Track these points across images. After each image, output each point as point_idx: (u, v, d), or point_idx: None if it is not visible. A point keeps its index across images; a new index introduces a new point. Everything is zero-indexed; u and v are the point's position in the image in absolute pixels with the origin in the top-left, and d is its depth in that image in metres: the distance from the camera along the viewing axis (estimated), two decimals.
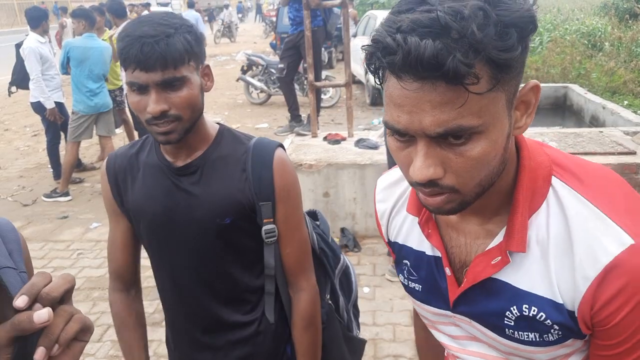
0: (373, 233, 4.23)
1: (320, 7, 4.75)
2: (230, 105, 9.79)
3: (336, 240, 4.10)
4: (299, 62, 6.06)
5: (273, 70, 9.06)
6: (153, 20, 1.09)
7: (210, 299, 1.28)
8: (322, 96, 8.05)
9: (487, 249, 0.79)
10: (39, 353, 0.58)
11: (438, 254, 0.86)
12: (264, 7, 30.80)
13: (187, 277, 1.27)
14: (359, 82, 10.05)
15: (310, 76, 4.74)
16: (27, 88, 5.45)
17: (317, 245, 1.41)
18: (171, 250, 1.26)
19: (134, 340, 1.36)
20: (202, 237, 1.23)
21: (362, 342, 1.54)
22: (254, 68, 9.42)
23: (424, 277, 0.89)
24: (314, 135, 4.88)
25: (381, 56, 0.64)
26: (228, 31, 21.86)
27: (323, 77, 7.33)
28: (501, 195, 0.78)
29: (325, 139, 4.75)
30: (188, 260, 1.26)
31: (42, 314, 0.57)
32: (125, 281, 1.37)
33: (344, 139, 4.69)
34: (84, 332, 0.63)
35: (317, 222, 1.50)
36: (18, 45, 5.44)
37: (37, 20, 5.27)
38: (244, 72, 9.46)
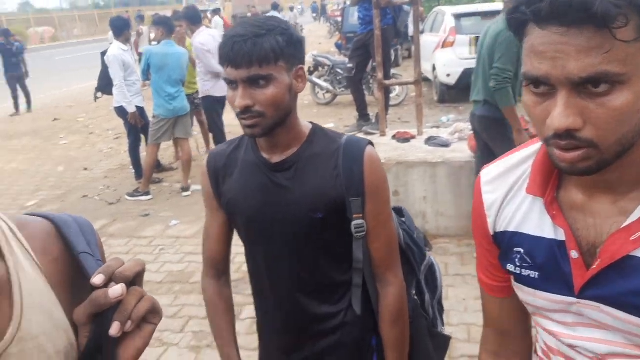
0: (444, 232, 4.18)
1: (390, 5, 4.75)
2: (297, 106, 9.93)
3: None
4: (367, 61, 6.07)
5: (339, 71, 9.13)
6: (250, 22, 1.18)
7: (299, 289, 1.33)
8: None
9: (623, 225, 0.76)
10: (114, 327, 0.63)
11: (561, 237, 0.82)
12: (328, 7, 30.99)
13: (278, 268, 1.33)
14: (427, 80, 9.92)
15: (380, 75, 4.74)
16: (111, 93, 5.80)
17: (403, 241, 1.43)
18: (265, 241, 1.33)
19: (224, 323, 1.44)
20: (295, 230, 1.29)
21: (447, 339, 1.55)
22: (321, 69, 9.52)
23: (542, 264, 0.86)
24: (383, 134, 4.88)
25: (525, 8, 0.64)
26: None
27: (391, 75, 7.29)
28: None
29: (394, 137, 4.74)
30: (280, 252, 1.32)
31: (116, 289, 0.63)
32: (218, 269, 1.46)
33: (413, 137, 4.67)
34: (154, 314, 0.67)
35: (403, 219, 1.52)
36: (103, 54, 5.81)
37: (120, 29, 5.60)
38: (310, 73, 9.57)
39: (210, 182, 1.38)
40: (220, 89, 5.85)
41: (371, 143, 1.32)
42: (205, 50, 5.50)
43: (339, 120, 8.45)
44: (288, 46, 1.18)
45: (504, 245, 0.92)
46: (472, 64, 8.29)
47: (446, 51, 8.70)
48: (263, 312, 1.45)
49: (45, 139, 8.77)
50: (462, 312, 3.20)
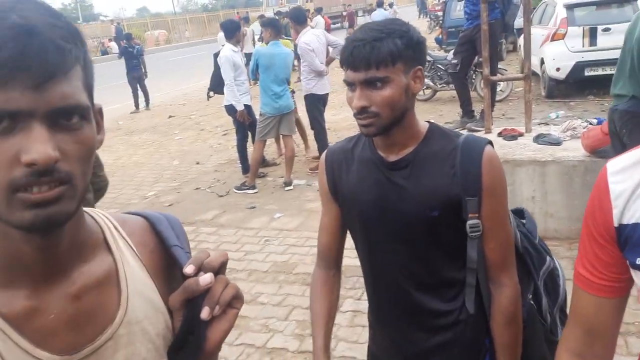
0: (553, 235, 4.00)
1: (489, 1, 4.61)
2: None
3: None
4: (473, 57, 5.93)
5: (440, 66, 8.96)
6: (371, 27, 1.24)
7: (412, 286, 1.35)
8: None
9: None
10: (205, 311, 0.70)
11: None
12: (429, 2, 30.40)
13: (391, 263, 1.37)
14: (533, 74, 9.45)
15: (486, 70, 4.63)
16: (222, 92, 6.17)
17: (520, 243, 1.41)
18: (379, 237, 1.36)
19: (320, 309, 1.47)
20: (410, 228, 1.31)
21: None
22: None
23: None
24: (488, 131, 4.76)
25: None
26: None
27: None
28: None
29: (499, 134, 4.60)
30: (394, 248, 1.34)
31: (206, 278, 0.70)
32: (328, 261, 1.51)
33: (521, 135, 4.51)
34: (237, 299, 0.74)
35: (523, 221, 1.50)
36: (215, 55, 6.20)
37: (231, 31, 5.94)
38: None
39: (327, 176, 1.43)
40: (322, 87, 6.02)
41: (490, 142, 1.32)
42: (309, 49, 5.69)
43: (439, 116, 8.31)
44: (407, 48, 1.22)
45: (635, 238, 0.88)
46: (585, 57, 7.91)
47: (556, 44, 8.24)
48: (376, 305, 1.48)
49: (162, 134, 9.49)
50: None
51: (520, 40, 9.96)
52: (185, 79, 16.21)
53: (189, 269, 0.71)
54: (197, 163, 7.31)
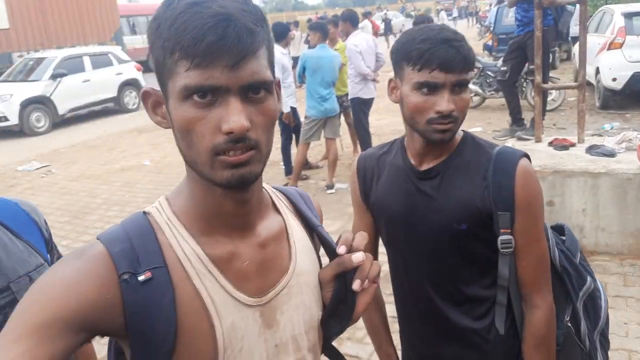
0: (604, 249, 3.85)
1: (553, 5, 4.49)
2: None
3: None
4: (523, 64, 5.78)
5: (489, 73, 8.79)
6: (441, 28, 1.20)
7: (439, 300, 1.30)
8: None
9: None
10: (357, 284, 0.79)
11: None
12: (480, 7, 29.94)
13: (418, 273, 1.32)
14: (588, 84, 9.15)
15: (538, 78, 4.51)
16: None
17: (558, 262, 1.33)
18: (406, 246, 1.33)
19: (378, 320, 1.47)
20: (437, 239, 1.26)
21: None
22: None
23: None
24: (538, 140, 4.63)
25: None
26: None
27: None
28: None
29: (550, 144, 4.47)
30: (420, 259, 1.31)
31: (359, 256, 0.79)
32: None
33: (572, 145, 4.36)
34: (379, 275, 0.82)
35: (563, 238, 1.41)
36: None
37: (281, 35, 6.02)
38: None
39: (358, 183, 1.42)
40: (368, 91, 6.00)
41: (527, 155, 1.26)
42: (357, 51, 5.71)
43: (487, 124, 8.15)
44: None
45: None
46: None
47: (613, 53, 7.95)
48: (406, 321, 1.44)
49: None
50: (623, 337, 2.94)
51: (575, 49, 9.67)
52: None
53: (341, 249, 0.80)
54: None
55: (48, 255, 1.15)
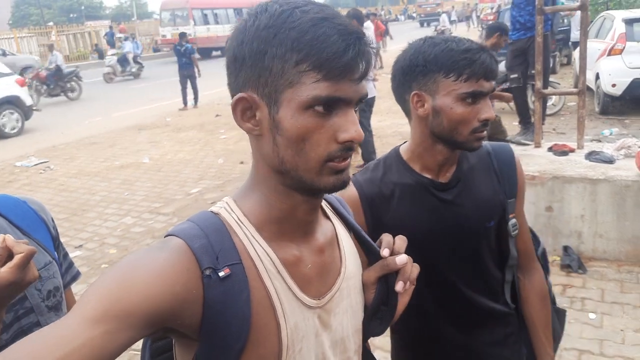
0: (602, 256, 3.87)
1: (554, 11, 4.49)
2: None
3: (557, 259, 3.86)
4: (527, 69, 5.77)
5: None
6: (465, 38, 1.23)
7: (472, 293, 1.35)
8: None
9: None
10: (400, 285, 0.84)
11: None
12: (481, 11, 29.99)
13: (452, 281, 1.33)
14: (587, 89, 9.18)
15: (538, 84, 4.52)
16: None
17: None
18: (438, 261, 1.31)
19: None
20: (470, 243, 1.31)
21: (564, 312, 1.60)
22: None
23: None
24: (538, 145, 4.64)
25: None
26: None
27: None
28: None
29: (550, 149, 4.48)
30: (452, 267, 1.32)
31: (403, 258, 0.84)
32: None
33: (572, 151, 4.38)
34: (416, 278, 0.87)
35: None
36: None
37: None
38: None
39: (365, 215, 1.28)
40: (369, 91, 6.01)
41: None
42: None
43: None
44: None
45: None
46: None
47: (613, 59, 7.98)
48: (440, 325, 1.38)
49: (208, 132, 9.69)
50: (619, 344, 2.95)
51: (575, 53, 9.69)
52: None
53: (385, 252, 0.85)
54: (242, 162, 7.42)
55: (55, 253, 1.16)
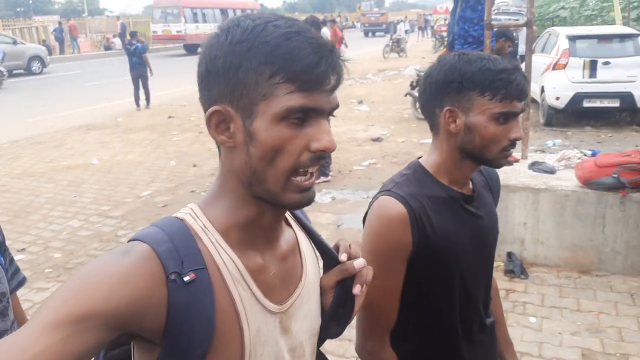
0: (543, 262, 4.05)
1: (502, 27, 4.68)
2: (397, 120, 9.98)
3: (501, 264, 4.01)
4: None
5: None
6: (497, 57, 1.25)
7: (482, 308, 1.38)
8: None
9: None
10: (357, 288, 0.86)
11: None
12: (435, 22, 30.78)
13: (477, 296, 1.35)
14: (533, 101, 9.56)
15: None
16: None
17: None
18: (469, 275, 1.30)
19: None
20: (491, 255, 1.38)
21: None
22: None
23: None
24: None
25: None
26: (397, 46, 22.23)
27: None
28: None
29: None
30: (480, 281, 1.36)
31: (360, 262, 0.86)
32: (388, 333, 1.29)
33: (516, 161, 4.56)
34: (370, 279, 0.90)
35: None
36: None
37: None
38: (412, 87, 9.58)
39: (413, 233, 1.20)
40: None
41: None
42: None
43: None
44: None
45: None
46: (584, 88, 8.03)
47: (557, 73, 8.36)
48: (461, 334, 1.33)
49: (161, 134, 9.50)
50: (557, 347, 3.10)
51: (522, 67, 10.09)
52: (188, 80, 16.18)
53: (344, 256, 0.87)
54: (194, 165, 7.32)
55: (2, 258, 1.13)
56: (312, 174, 0.77)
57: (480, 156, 1.25)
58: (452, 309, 1.30)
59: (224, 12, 28.55)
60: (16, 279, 1.21)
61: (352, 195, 5.95)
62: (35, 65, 19.99)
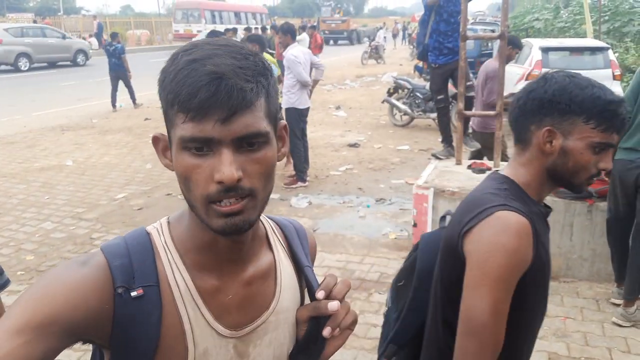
0: None
1: (476, 39, 4.78)
2: (374, 126, 10.08)
3: None
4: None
5: (419, 94, 9.19)
6: (608, 89, 1.24)
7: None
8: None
9: None
10: (327, 330, 0.84)
11: None
12: (413, 30, 31.13)
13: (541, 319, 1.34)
14: (506, 110, 9.76)
15: (460, 105, 4.80)
16: None
17: None
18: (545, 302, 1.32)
19: None
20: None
21: None
22: (400, 91, 9.63)
23: None
24: (458, 163, 4.92)
25: None
26: (375, 53, 22.44)
27: None
28: None
29: (469, 167, 4.77)
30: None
31: (334, 305, 0.83)
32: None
33: (489, 169, 4.67)
34: (354, 323, 0.87)
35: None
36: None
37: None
38: (390, 94, 9.69)
39: (534, 249, 1.18)
40: (304, 101, 6.16)
41: None
42: (298, 62, 5.94)
43: (414, 142, 8.51)
44: None
45: None
46: None
47: None
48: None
49: (137, 136, 9.40)
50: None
51: None
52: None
53: (320, 294, 0.85)
54: None
55: None
56: (235, 199, 0.73)
57: (568, 180, 1.25)
58: (528, 338, 1.28)
59: (237, 14, 32.06)
60: None
61: (329, 200, 6.00)
62: (80, 58, 21.80)
